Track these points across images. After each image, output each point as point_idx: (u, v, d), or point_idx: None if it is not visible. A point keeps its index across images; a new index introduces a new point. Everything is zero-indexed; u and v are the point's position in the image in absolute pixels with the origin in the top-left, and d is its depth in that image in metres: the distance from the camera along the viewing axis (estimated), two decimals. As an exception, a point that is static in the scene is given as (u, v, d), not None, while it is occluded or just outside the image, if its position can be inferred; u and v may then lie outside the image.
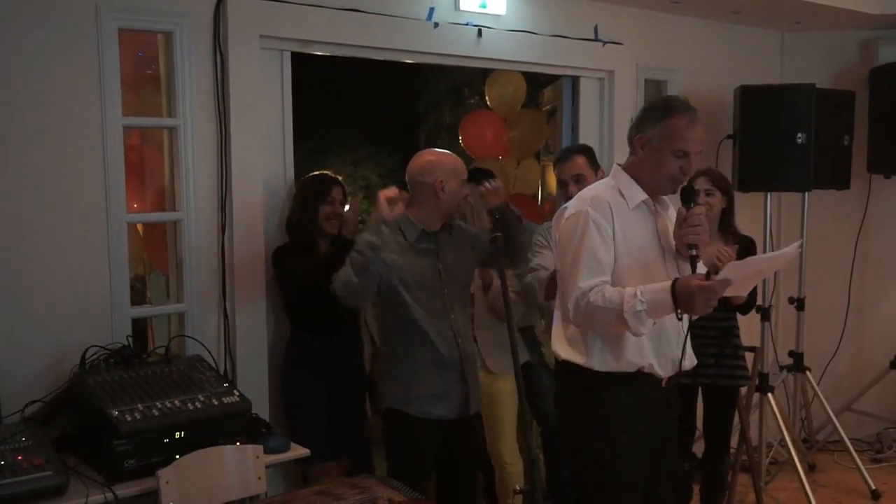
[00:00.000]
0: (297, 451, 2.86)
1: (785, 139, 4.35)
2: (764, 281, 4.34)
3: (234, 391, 2.79)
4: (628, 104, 4.35)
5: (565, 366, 2.54)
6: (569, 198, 2.95)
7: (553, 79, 4.87)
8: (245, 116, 3.24)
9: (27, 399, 2.74)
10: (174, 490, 2.49)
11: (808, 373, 4.72)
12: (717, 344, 3.56)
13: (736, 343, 3.62)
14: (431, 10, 3.69)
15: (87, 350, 2.78)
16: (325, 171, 3.53)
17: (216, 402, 2.69)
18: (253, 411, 2.83)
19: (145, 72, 3.41)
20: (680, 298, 2.25)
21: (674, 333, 2.51)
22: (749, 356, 3.78)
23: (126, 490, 2.46)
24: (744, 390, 3.90)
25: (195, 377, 2.79)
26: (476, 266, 3.16)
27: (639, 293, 2.29)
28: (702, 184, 3.53)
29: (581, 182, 3.26)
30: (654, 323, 2.35)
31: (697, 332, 3.04)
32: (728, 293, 2.34)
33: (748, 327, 3.84)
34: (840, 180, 4.70)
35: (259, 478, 2.70)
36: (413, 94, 12.45)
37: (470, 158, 5.61)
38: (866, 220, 5.07)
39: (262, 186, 3.33)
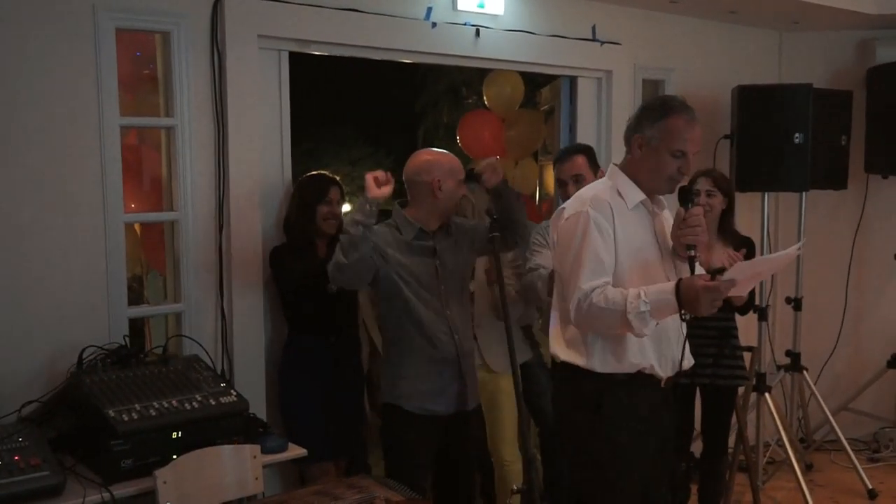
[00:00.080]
0: (295, 451, 2.86)
1: (782, 139, 4.36)
2: (761, 281, 4.34)
3: (232, 391, 2.79)
4: (626, 104, 4.34)
5: (564, 367, 2.53)
6: (567, 198, 2.94)
7: (551, 79, 4.87)
8: (243, 116, 3.24)
9: (24, 399, 2.74)
10: (171, 490, 2.48)
11: (805, 372, 4.72)
12: (716, 344, 3.56)
13: (734, 343, 3.62)
14: (429, 9, 3.69)
15: (84, 350, 2.78)
16: (322, 171, 3.52)
17: (213, 402, 2.69)
18: (250, 411, 2.83)
19: (143, 72, 3.41)
20: (685, 299, 2.25)
21: (674, 334, 2.51)
22: (746, 356, 3.78)
23: (123, 490, 2.46)
24: (741, 390, 3.91)
25: (192, 377, 2.78)
26: (476, 257, 3.14)
27: (642, 294, 2.28)
28: (703, 184, 3.53)
29: (580, 182, 3.24)
30: (657, 324, 2.34)
31: (696, 333, 3.03)
32: (730, 293, 2.34)
33: (745, 327, 3.84)
34: (837, 180, 4.69)
35: (256, 478, 2.70)
36: (411, 94, 12.46)
37: (468, 158, 5.60)
38: (863, 220, 5.07)
39: (259, 186, 3.32)
